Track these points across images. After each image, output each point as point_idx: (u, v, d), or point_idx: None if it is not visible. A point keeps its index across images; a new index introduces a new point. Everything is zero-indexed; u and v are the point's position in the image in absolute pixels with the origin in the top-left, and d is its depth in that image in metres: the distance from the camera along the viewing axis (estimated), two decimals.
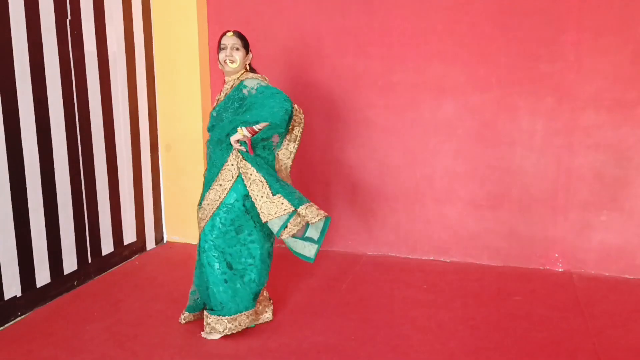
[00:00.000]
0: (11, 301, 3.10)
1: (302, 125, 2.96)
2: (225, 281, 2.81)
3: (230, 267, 2.82)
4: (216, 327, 2.84)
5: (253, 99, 2.71)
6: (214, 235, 2.82)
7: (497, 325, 3.01)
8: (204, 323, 2.90)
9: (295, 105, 2.88)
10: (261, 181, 2.73)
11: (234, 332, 2.85)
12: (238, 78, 2.84)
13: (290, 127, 2.90)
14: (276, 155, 2.94)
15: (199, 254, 2.91)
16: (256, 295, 2.91)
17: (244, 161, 2.75)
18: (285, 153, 2.99)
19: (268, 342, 2.83)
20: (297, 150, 3.02)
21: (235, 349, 2.76)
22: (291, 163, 3.03)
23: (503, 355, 2.70)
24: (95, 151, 3.72)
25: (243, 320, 2.86)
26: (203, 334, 2.87)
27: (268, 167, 2.79)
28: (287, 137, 2.94)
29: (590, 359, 2.66)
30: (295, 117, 2.89)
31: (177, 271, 3.84)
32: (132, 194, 4.14)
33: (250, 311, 2.89)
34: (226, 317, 2.82)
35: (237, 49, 2.78)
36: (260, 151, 2.82)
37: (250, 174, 2.74)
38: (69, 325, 3.05)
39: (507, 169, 3.86)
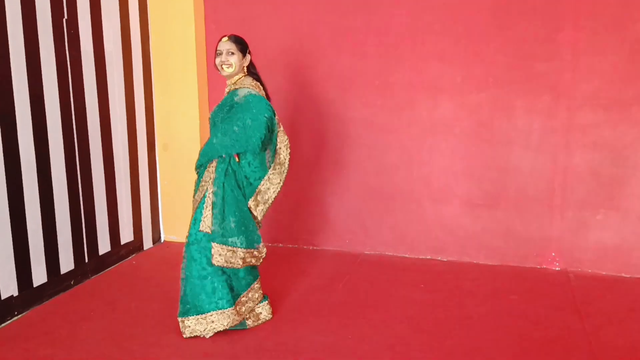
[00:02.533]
0: (8, 300, 3.10)
1: (288, 149, 2.96)
2: (205, 277, 2.80)
3: (210, 262, 2.80)
4: (197, 328, 2.83)
5: (236, 111, 2.79)
6: (196, 229, 2.84)
7: (494, 324, 3.02)
8: (181, 329, 2.86)
9: (281, 127, 2.92)
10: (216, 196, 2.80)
11: (215, 331, 2.83)
12: (234, 83, 2.90)
13: (276, 150, 2.92)
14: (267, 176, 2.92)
15: (185, 251, 2.90)
16: (234, 294, 2.86)
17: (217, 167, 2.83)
18: (273, 179, 2.93)
19: (265, 342, 2.83)
20: (285, 179, 2.97)
21: (232, 348, 2.76)
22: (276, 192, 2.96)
23: (500, 353, 2.71)
24: (92, 150, 3.72)
25: (222, 319, 2.81)
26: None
27: (236, 188, 2.82)
28: (276, 160, 2.93)
29: (587, 358, 2.67)
30: (279, 139, 2.92)
31: (174, 271, 3.80)
32: (129, 193, 4.13)
33: (230, 310, 2.82)
34: (203, 314, 2.81)
35: (232, 53, 2.83)
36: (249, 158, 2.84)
37: (212, 187, 2.82)
38: (66, 325, 3.04)
39: (503, 168, 3.87)
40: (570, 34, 3.61)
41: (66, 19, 3.45)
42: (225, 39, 2.86)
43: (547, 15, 3.63)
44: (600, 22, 3.55)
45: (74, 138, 3.55)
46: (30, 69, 3.19)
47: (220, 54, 2.85)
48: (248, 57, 2.91)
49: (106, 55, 3.81)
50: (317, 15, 4.05)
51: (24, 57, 3.15)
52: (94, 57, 3.70)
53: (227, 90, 2.93)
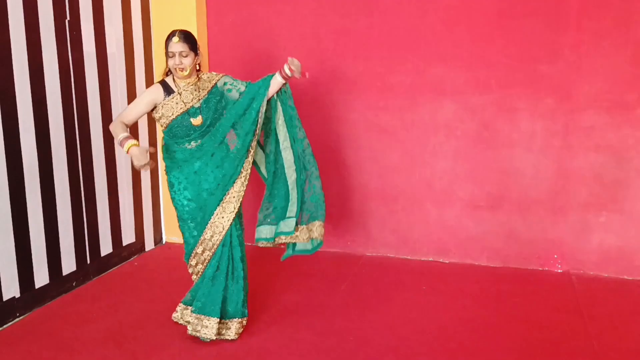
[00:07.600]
0: (10, 302, 3.10)
1: None
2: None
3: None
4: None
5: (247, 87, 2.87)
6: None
7: (497, 327, 3.01)
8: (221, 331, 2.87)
9: None
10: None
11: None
12: (201, 79, 2.82)
13: None
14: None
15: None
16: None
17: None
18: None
19: (267, 343, 2.83)
20: None
21: (234, 350, 2.76)
22: None
23: (502, 356, 2.70)
24: (94, 152, 3.72)
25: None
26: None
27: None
28: None
29: None
30: None
31: (176, 272, 3.83)
32: (130, 195, 4.13)
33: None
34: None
35: (185, 55, 2.69)
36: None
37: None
38: (68, 326, 3.04)
39: (506, 170, 3.86)
40: (574, 36, 3.60)
41: (69, 21, 3.45)
42: (176, 39, 2.66)
43: (550, 17, 3.62)
44: (604, 24, 3.54)
45: (76, 139, 3.55)
46: (32, 71, 3.19)
47: (173, 56, 2.69)
48: (199, 55, 2.77)
49: (109, 57, 3.81)
50: (319, 16, 4.05)
51: (26, 59, 3.15)
52: (97, 60, 3.70)
53: (188, 91, 2.77)
